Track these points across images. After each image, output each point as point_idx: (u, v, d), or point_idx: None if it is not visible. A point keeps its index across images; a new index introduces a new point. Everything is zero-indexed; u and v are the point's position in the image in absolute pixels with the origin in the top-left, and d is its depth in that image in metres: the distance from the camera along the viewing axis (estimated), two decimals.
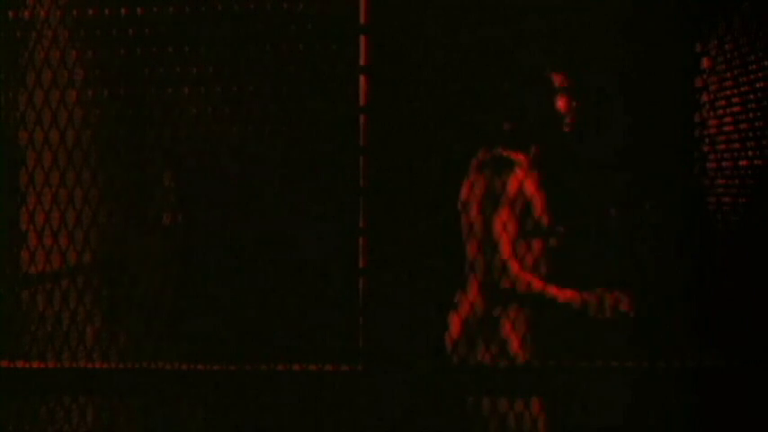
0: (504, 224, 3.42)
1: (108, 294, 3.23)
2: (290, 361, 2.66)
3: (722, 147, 3.47)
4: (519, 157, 3.51)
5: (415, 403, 2.62)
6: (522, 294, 3.44)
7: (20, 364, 2.72)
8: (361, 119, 2.64)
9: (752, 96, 3.23)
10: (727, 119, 3.42)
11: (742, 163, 3.28)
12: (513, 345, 3.48)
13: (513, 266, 3.43)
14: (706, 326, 3.28)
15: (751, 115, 3.23)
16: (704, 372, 2.62)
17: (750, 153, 3.22)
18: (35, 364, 2.71)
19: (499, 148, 3.53)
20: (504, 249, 3.42)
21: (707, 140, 3.57)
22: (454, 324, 3.51)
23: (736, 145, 3.33)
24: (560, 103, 3.57)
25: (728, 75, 3.38)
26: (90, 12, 2.94)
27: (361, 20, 2.64)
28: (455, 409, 3.23)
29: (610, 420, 2.98)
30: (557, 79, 3.58)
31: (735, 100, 3.37)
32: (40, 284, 3.03)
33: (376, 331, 2.63)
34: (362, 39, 2.64)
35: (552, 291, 3.45)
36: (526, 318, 3.51)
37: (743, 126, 3.28)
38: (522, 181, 3.47)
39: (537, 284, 3.45)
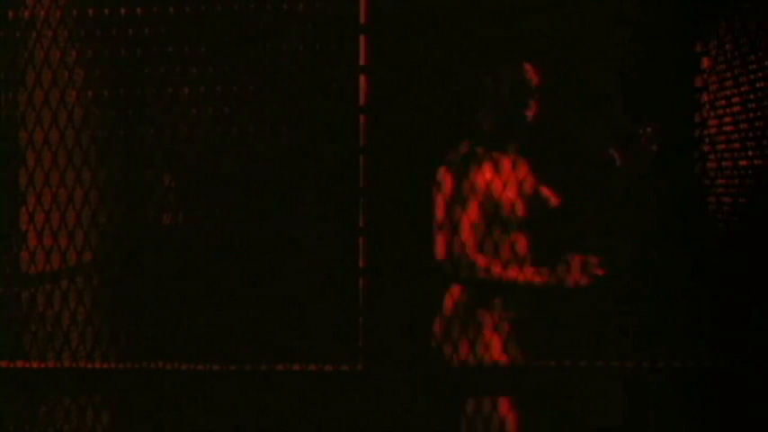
0: (470, 220, 3.36)
1: (108, 294, 3.23)
2: (290, 361, 2.66)
3: (722, 147, 3.46)
4: (495, 154, 3.45)
5: (415, 403, 2.62)
6: (482, 281, 3.39)
7: (20, 364, 2.72)
8: (361, 119, 2.64)
9: (752, 96, 3.23)
10: (727, 119, 3.42)
11: (742, 163, 3.28)
12: (496, 347, 3.42)
13: (480, 260, 3.38)
14: (706, 326, 3.28)
15: (751, 115, 3.23)
16: (704, 372, 2.62)
17: (750, 153, 3.22)
18: (35, 364, 2.71)
19: (474, 144, 3.46)
20: (470, 244, 3.37)
21: (707, 140, 3.57)
22: (437, 323, 3.46)
23: (736, 145, 3.33)
24: (521, 93, 3.48)
25: (728, 75, 3.38)
26: (90, 12, 2.94)
27: (361, 20, 2.64)
28: (455, 409, 3.23)
29: (610, 420, 2.98)
30: (518, 69, 3.50)
31: (735, 100, 3.37)
32: (40, 284, 3.03)
33: (376, 331, 2.63)
34: (362, 39, 2.64)
35: (512, 273, 3.41)
36: (510, 319, 3.46)
37: (743, 126, 3.28)
38: (489, 178, 3.41)
39: (497, 271, 3.41)
